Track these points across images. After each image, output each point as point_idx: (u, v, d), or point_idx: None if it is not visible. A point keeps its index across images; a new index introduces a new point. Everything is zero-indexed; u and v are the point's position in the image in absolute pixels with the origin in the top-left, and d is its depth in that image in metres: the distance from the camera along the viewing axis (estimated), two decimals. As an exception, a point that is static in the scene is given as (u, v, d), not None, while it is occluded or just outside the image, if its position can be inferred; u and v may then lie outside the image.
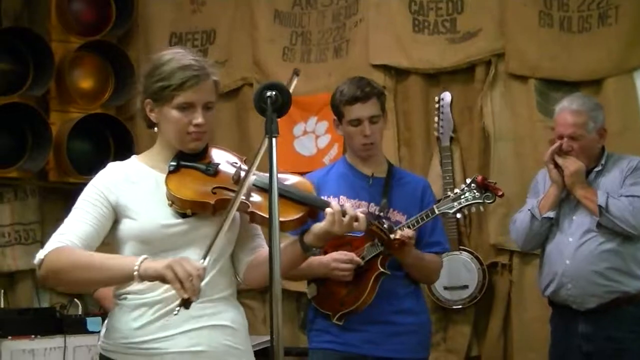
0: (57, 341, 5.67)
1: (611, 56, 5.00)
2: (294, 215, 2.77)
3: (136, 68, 6.20)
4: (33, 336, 5.64)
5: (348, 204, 2.83)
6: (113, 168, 2.86)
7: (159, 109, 2.81)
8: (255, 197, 2.77)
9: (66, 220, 2.75)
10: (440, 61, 5.41)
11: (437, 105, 5.19)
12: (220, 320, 2.76)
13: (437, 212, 3.73)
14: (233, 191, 2.69)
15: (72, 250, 2.64)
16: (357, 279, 3.71)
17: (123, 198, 2.76)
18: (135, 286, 2.71)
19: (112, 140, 6.22)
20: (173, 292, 2.58)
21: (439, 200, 3.80)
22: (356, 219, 2.81)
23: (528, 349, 5.07)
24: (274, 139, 2.46)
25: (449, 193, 3.79)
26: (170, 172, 2.78)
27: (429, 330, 4.00)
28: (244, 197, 2.71)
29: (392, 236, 3.26)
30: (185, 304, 2.48)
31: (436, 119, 5.18)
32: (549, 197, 4.32)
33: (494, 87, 5.27)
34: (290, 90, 2.63)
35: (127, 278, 2.58)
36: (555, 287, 4.31)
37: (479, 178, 3.75)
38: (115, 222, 2.77)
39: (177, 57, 2.81)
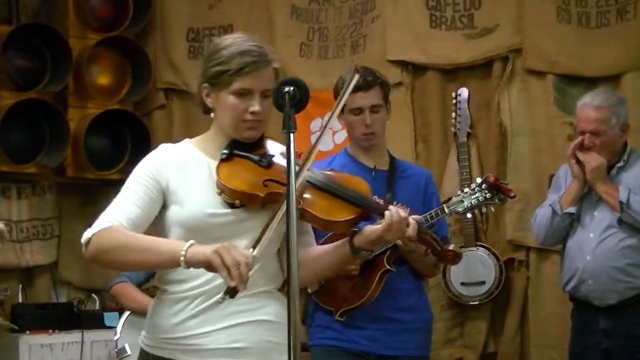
0: (74, 336, 5.71)
1: (629, 52, 5.00)
2: (345, 216, 2.70)
3: (153, 64, 6.24)
4: (51, 331, 5.68)
5: (402, 210, 2.74)
6: (165, 150, 2.81)
7: (216, 94, 2.75)
8: (307, 194, 2.71)
9: (115, 200, 2.71)
10: (458, 57, 5.40)
11: (454, 101, 5.18)
12: (261, 315, 2.69)
13: (447, 211, 3.67)
14: (283, 185, 2.59)
15: (120, 231, 2.60)
16: (362, 275, 3.68)
17: (172, 182, 2.72)
18: (177, 275, 2.68)
19: (129, 136, 6.22)
20: (214, 284, 2.57)
21: (449, 199, 3.74)
22: (408, 225, 2.74)
23: (545, 345, 5.07)
24: (291, 135, 2.43)
25: (459, 192, 3.75)
26: (222, 160, 2.72)
27: (431, 328, 3.98)
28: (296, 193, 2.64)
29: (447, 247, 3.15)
30: (232, 292, 2.42)
31: (453, 114, 5.17)
32: (570, 192, 4.31)
33: (511, 83, 5.26)
34: (350, 89, 2.62)
35: (173, 262, 2.53)
36: (575, 283, 4.31)
37: (491, 178, 3.67)
38: (162, 207, 2.73)
39: (237, 42, 2.74)
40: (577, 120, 4.37)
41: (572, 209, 4.30)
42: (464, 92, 5.17)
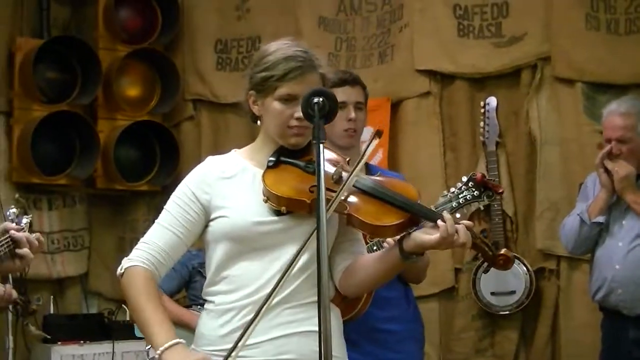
0: (105, 347, 5.74)
1: None
2: (394, 220, 2.63)
3: (182, 75, 6.27)
4: (82, 341, 5.72)
5: (454, 218, 2.67)
6: (209, 164, 2.79)
7: (262, 100, 2.73)
8: (354, 199, 2.67)
9: (155, 224, 2.72)
10: (486, 66, 5.39)
11: (482, 110, 5.16)
12: (310, 326, 2.57)
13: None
14: (332, 191, 2.57)
15: (137, 284, 2.64)
16: None
17: (216, 197, 2.70)
18: (223, 286, 2.68)
19: (158, 147, 6.26)
20: (261, 295, 2.56)
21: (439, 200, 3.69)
22: (463, 235, 2.64)
23: (576, 355, 5.03)
24: (321, 145, 2.41)
25: (445, 192, 3.69)
26: (268, 168, 2.70)
27: (423, 336, 3.92)
28: (342, 198, 2.62)
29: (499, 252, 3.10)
30: None
31: (482, 123, 5.16)
32: (598, 201, 4.29)
33: (540, 91, 5.24)
34: (368, 152, 2.58)
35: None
36: (605, 293, 4.28)
37: (478, 175, 3.57)
38: (208, 223, 2.72)
39: (283, 47, 2.73)
40: (603, 129, 4.37)
41: (601, 219, 4.28)
42: (492, 101, 5.16)
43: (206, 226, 2.72)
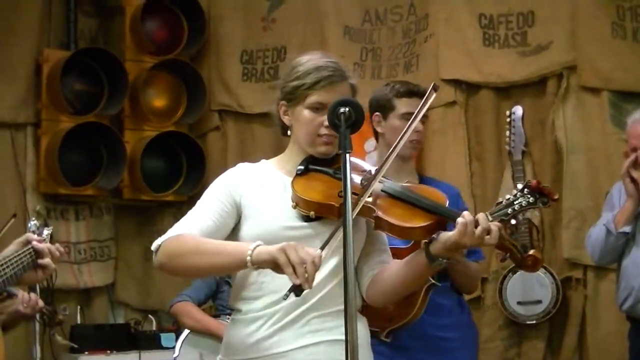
0: (131, 357, 5.76)
1: None
2: (420, 223, 2.67)
3: (208, 86, 6.29)
4: (109, 351, 5.74)
5: (482, 215, 2.70)
6: (242, 167, 2.84)
7: (292, 109, 2.77)
8: (383, 203, 2.70)
9: (189, 213, 2.74)
10: (511, 75, 5.41)
11: (508, 119, 5.15)
12: (339, 335, 2.54)
13: (490, 219, 3.61)
14: (358, 195, 2.62)
15: (190, 237, 2.62)
16: None
17: (247, 197, 2.73)
18: (250, 292, 2.69)
19: (184, 157, 6.28)
20: (288, 301, 2.53)
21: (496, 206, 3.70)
22: (489, 232, 2.67)
23: (604, 365, 5.01)
24: (347, 155, 2.43)
25: (501, 199, 3.69)
26: (297, 175, 2.75)
27: (477, 343, 3.94)
28: (370, 202, 2.66)
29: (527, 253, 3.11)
30: (296, 291, 2.40)
31: (508, 132, 5.15)
32: (624, 211, 4.27)
33: (566, 100, 5.24)
34: (427, 105, 2.62)
35: (240, 263, 2.52)
36: (632, 302, 4.26)
37: (533, 182, 3.60)
38: (238, 224, 2.74)
39: (314, 58, 2.78)
40: (628, 137, 4.36)
41: (627, 228, 4.26)
42: (518, 110, 5.15)
43: (234, 230, 2.73)
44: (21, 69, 5.99)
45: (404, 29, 5.81)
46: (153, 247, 2.64)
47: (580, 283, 5.15)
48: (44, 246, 3.06)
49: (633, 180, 4.22)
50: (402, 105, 3.76)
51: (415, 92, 3.77)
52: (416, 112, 2.69)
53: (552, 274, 5.05)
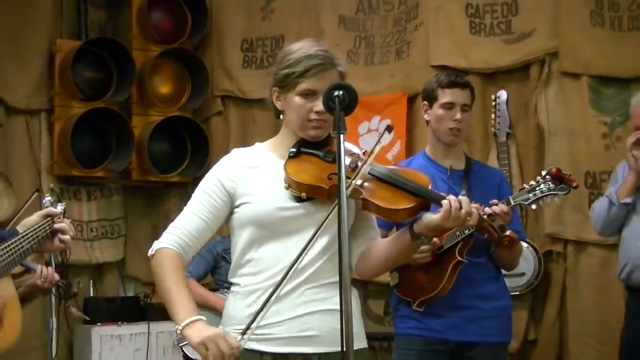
0: (141, 327, 5.83)
1: None
2: (405, 204, 2.65)
3: (210, 73, 6.30)
4: (120, 323, 5.81)
5: (465, 199, 2.67)
6: (235, 155, 2.83)
7: (284, 96, 2.75)
8: (370, 185, 2.69)
9: (184, 210, 2.75)
10: (497, 61, 5.37)
11: (494, 103, 5.15)
12: (330, 305, 2.62)
13: (512, 203, 3.60)
14: (349, 178, 2.58)
15: (163, 264, 2.66)
16: (437, 267, 3.65)
17: (241, 185, 2.73)
18: (249, 269, 2.71)
19: (188, 141, 6.32)
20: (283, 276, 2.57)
21: (519, 191, 3.70)
22: (469, 214, 2.65)
23: (583, 333, 5.02)
24: (341, 136, 2.41)
25: (525, 185, 3.69)
26: (289, 158, 2.73)
27: (510, 315, 3.88)
28: (358, 184, 2.65)
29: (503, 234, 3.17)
30: None
31: (493, 116, 5.15)
32: (626, 184, 4.22)
33: (548, 84, 5.21)
34: (378, 148, 2.62)
35: (175, 321, 2.60)
36: (629, 271, 4.21)
37: (554, 170, 3.61)
38: (234, 209, 2.74)
39: (304, 47, 2.76)
40: (632, 117, 4.30)
41: (629, 200, 4.20)
42: (503, 94, 5.14)
43: (231, 213, 2.74)
44: (35, 59, 6.02)
45: (396, 17, 5.79)
46: (149, 253, 2.70)
47: (561, 257, 5.14)
48: (65, 224, 3.09)
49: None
50: (444, 95, 3.77)
51: (455, 83, 3.78)
52: (372, 149, 2.66)
53: (534, 248, 5.02)
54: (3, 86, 5.87)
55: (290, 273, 2.55)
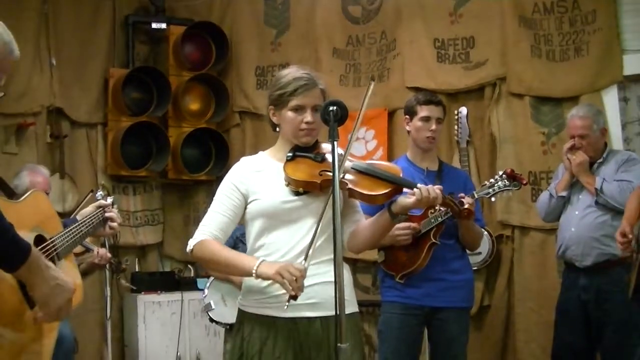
0: (176, 296, 5.85)
1: (585, 79, 4.96)
2: (382, 190, 2.65)
3: (230, 93, 6.25)
4: (159, 292, 5.83)
5: (431, 187, 2.69)
6: (243, 162, 2.82)
7: (279, 112, 2.75)
8: (353, 177, 2.69)
9: (209, 211, 2.74)
10: (458, 84, 5.37)
11: (456, 117, 5.09)
12: (329, 277, 2.54)
13: (476, 196, 3.65)
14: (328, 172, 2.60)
15: (209, 246, 2.65)
16: (415, 247, 3.65)
17: (252, 186, 2.72)
18: (264, 251, 2.69)
19: (213, 147, 6.29)
20: (295, 253, 2.60)
21: (481, 187, 3.76)
22: (436, 197, 2.68)
23: (525, 299, 5.05)
24: (335, 143, 2.43)
25: (485, 182, 3.72)
26: (287, 161, 2.73)
27: (472, 285, 3.87)
28: (343, 177, 2.64)
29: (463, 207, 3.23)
30: (294, 298, 2.45)
31: (456, 127, 5.10)
32: (563, 181, 4.30)
33: (499, 103, 5.22)
34: (368, 97, 2.62)
35: (247, 275, 2.58)
36: (563, 249, 4.28)
37: (509, 170, 3.66)
38: (247, 205, 2.73)
39: (292, 71, 2.76)
40: (567, 128, 4.33)
41: (564, 193, 4.28)
42: (463, 110, 5.11)
43: (245, 208, 2.74)
44: (94, 83, 6.04)
45: (378, 49, 5.76)
46: (187, 248, 2.68)
47: (510, 239, 5.15)
48: (114, 213, 3.15)
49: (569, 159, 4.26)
50: (422, 110, 3.77)
51: (431, 101, 3.79)
52: (363, 99, 2.64)
53: (489, 232, 5.03)
54: (69, 105, 5.88)
55: (311, 249, 2.53)
